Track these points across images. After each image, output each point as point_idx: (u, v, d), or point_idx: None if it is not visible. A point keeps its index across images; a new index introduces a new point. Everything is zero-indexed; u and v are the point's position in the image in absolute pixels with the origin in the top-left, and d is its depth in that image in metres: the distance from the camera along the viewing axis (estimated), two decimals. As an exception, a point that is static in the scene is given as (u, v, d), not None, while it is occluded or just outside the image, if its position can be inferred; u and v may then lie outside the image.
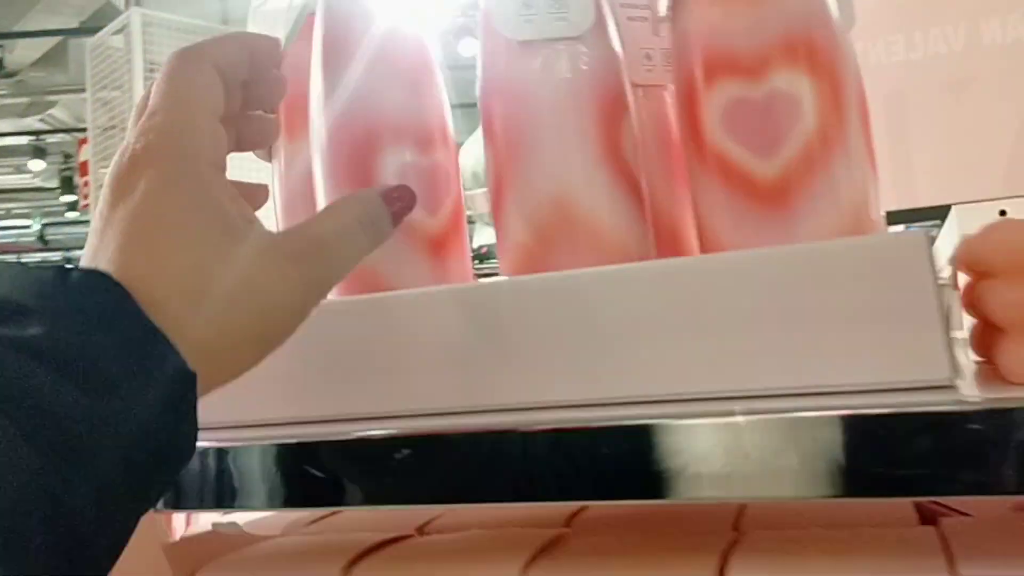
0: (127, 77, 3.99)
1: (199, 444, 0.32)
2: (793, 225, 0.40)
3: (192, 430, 0.30)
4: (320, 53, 0.49)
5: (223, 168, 0.35)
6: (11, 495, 0.24)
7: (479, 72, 0.48)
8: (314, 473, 0.41)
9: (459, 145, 0.53)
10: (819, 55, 0.40)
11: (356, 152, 0.47)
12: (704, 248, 0.43)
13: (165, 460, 0.29)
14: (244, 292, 0.31)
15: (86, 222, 4.06)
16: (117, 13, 4.43)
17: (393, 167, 0.47)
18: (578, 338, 0.40)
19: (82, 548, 0.26)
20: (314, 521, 0.59)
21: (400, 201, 0.38)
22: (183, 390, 0.29)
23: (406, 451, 0.40)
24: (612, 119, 0.45)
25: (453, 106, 0.51)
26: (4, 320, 0.27)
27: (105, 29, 4.08)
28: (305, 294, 0.34)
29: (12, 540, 0.24)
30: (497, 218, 0.47)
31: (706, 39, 0.42)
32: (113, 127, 4.07)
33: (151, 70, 4.01)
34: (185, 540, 0.51)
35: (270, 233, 0.33)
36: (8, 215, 8.47)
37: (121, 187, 0.32)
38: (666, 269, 0.39)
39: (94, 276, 0.29)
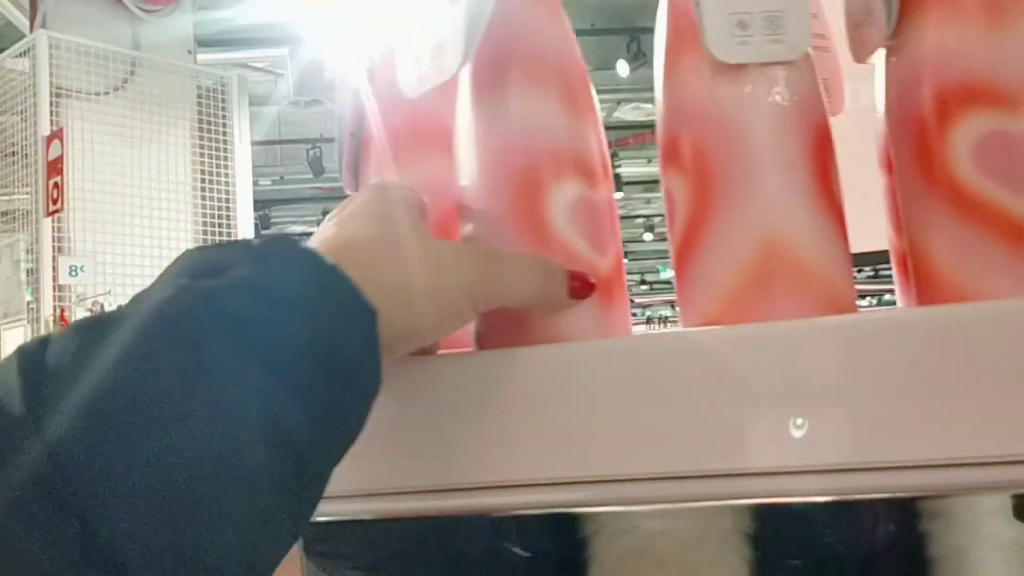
0: (31, 102, 3.79)
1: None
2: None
3: (379, 361, 0.33)
4: (477, 78, 0.44)
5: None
6: (236, 412, 0.27)
7: (664, 97, 0.44)
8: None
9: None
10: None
11: (524, 186, 0.42)
12: (943, 296, 0.39)
13: (360, 388, 0.32)
14: (424, 260, 0.36)
15: (-20, 253, 3.82)
16: (17, 34, 4.21)
17: (564, 203, 0.42)
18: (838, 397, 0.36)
19: (301, 466, 0.29)
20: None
21: (580, 283, 0.41)
22: (367, 322, 0.32)
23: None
24: (825, 151, 0.42)
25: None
26: (220, 272, 0.30)
27: (7, 51, 3.86)
28: (473, 293, 0.37)
29: (239, 456, 0.26)
30: (688, 260, 0.42)
31: (954, 65, 0.38)
32: (14, 153, 3.85)
33: (58, 95, 3.82)
34: None
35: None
36: None
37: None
38: (935, 317, 0.36)
39: (280, 237, 0.34)
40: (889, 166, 0.50)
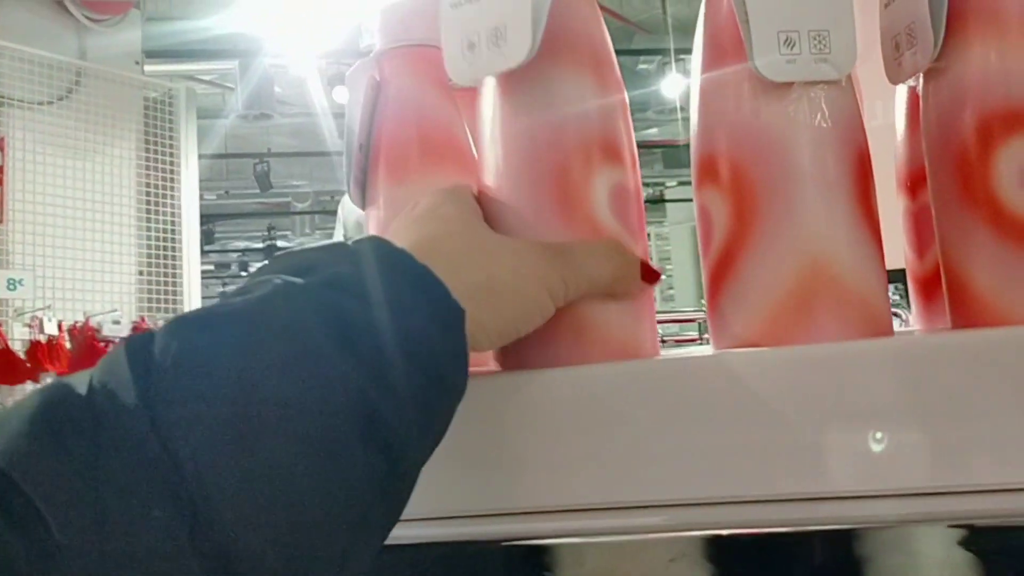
0: (-28, 110, 3.69)
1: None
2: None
3: (466, 359, 0.33)
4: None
5: None
6: (334, 406, 0.27)
7: (702, 114, 0.43)
8: None
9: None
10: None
11: (568, 173, 0.41)
12: (982, 319, 0.39)
13: (449, 387, 0.32)
14: (503, 257, 0.37)
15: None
16: (-42, 41, 4.09)
17: (605, 190, 0.41)
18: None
19: (393, 463, 0.29)
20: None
21: (650, 271, 0.42)
22: (456, 321, 0.32)
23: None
24: (866, 172, 0.41)
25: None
26: (316, 271, 0.31)
27: (-52, 59, 3.76)
28: (542, 282, 0.38)
29: (340, 453, 0.27)
30: (725, 279, 0.42)
31: (999, 89, 0.38)
32: (-49, 163, 3.74)
33: (1, 104, 3.72)
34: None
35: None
36: None
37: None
38: (992, 340, 0.35)
39: (371, 238, 0.33)
40: (910, 190, 0.50)
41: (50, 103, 3.94)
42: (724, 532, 0.37)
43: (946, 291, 0.42)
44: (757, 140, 0.41)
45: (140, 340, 0.28)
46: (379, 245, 0.33)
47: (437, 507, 0.39)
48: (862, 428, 0.36)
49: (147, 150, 4.36)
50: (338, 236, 3.24)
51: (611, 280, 0.40)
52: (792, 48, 0.40)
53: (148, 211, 4.27)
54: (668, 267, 8.53)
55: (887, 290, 0.42)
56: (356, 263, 0.32)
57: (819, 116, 0.40)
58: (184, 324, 0.28)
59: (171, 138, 4.43)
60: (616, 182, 0.42)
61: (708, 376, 0.37)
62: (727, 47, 0.42)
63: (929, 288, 0.49)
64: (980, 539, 0.36)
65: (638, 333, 0.42)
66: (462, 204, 0.40)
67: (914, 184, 0.49)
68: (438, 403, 0.32)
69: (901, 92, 0.49)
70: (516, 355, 0.41)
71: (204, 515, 0.24)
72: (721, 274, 0.42)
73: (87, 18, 4.13)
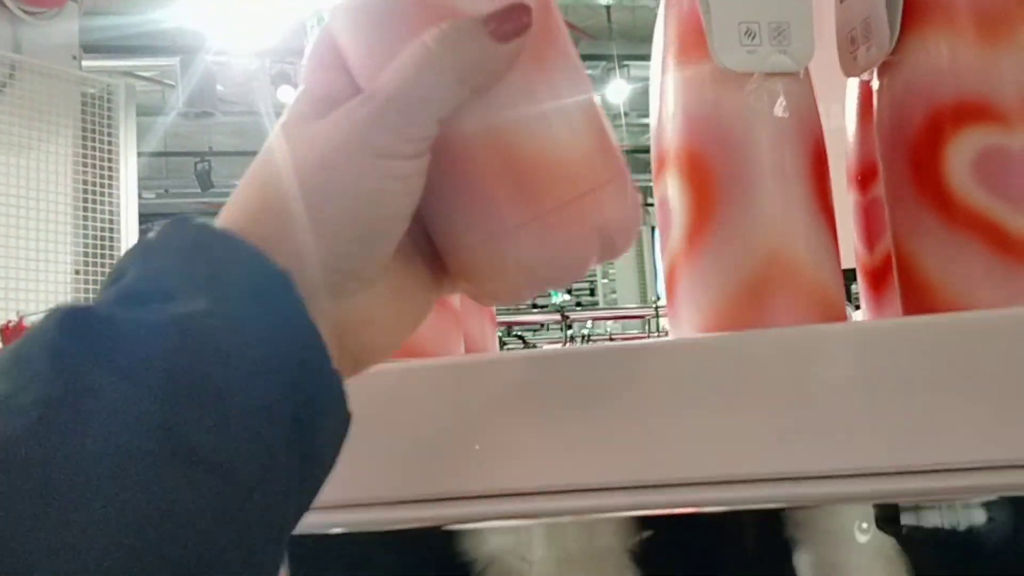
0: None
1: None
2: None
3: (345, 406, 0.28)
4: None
5: None
6: (171, 453, 0.22)
7: (662, 104, 0.44)
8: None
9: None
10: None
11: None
12: (932, 306, 0.40)
13: (330, 431, 0.27)
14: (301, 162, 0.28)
15: None
16: None
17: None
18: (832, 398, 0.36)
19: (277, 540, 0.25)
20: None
21: (503, 20, 0.29)
22: (297, 310, 0.26)
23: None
24: (821, 163, 0.42)
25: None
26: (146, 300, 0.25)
27: None
28: (356, 142, 0.28)
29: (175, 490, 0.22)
30: (684, 267, 0.42)
31: (952, 82, 0.40)
32: None
33: (-69, 96, 3.61)
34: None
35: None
36: None
37: None
38: (934, 326, 0.36)
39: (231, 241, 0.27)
40: (861, 184, 0.51)
41: (-17, 96, 3.83)
42: (681, 511, 0.37)
43: (897, 280, 0.43)
44: (716, 131, 0.41)
45: None
46: (221, 240, 0.27)
47: (381, 493, 0.39)
48: (816, 410, 0.37)
49: (84, 147, 4.26)
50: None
51: (458, 84, 0.29)
52: (752, 39, 0.40)
53: (85, 209, 4.17)
54: (611, 270, 8.59)
55: (842, 277, 0.43)
56: (218, 304, 0.25)
57: (778, 107, 0.41)
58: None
59: (109, 135, 4.34)
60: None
61: (667, 360, 0.38)
62: (688, 38, 0.42)
63: (878, 280, 0.50)
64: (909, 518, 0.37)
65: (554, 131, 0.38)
66: (289, 119, 0.30)
67: (864, 178, 0.51)
68: (319, 467, 0.27)
69: (852, 87, 0.50)
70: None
71: None
72: (680, 263, 0.43)
73: (22, 10, 4.03)
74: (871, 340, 0.37)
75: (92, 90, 4.25)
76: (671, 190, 0.43)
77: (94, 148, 4.19)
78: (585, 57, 5.78)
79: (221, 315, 0.25)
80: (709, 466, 0.38)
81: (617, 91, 5.62)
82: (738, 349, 0.38)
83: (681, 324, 0.43)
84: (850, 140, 0.52)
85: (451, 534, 0.42)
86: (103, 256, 4.13)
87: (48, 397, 0.22)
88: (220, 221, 0.29)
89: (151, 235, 0.28)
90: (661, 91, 0.44)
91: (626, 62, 5.41)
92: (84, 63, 4.42)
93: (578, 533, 0.45)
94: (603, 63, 5.70)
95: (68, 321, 0.24)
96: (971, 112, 0.39)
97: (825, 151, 0.43)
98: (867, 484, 0.37)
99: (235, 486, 0.23)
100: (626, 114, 5.56)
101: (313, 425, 0.26)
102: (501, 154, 0.29)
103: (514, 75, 0.29)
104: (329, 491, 0.29)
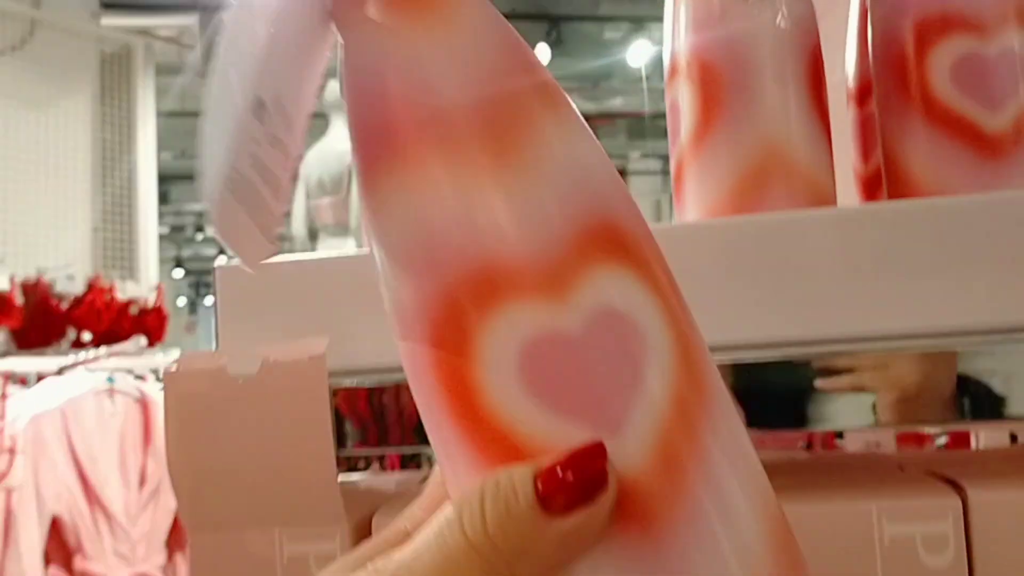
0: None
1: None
2: (1017, 174, 0.43)
3: None
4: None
5: None
6: None
7: (675, 16, 0.48)
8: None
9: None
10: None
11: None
12: (914, 194, 0.45)
13: None
14: None
15: None
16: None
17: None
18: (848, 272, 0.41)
19: None
20: (423, 480, 0.56)
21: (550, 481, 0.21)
22: None
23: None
24: (818, 68, 0.47)
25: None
26: None
27: None
28: None
29: None
30: (692, 162, 0.47)
31: (935, -3, 0.44)
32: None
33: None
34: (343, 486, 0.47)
35: None
36: None
37: None
38: (912, 210, 0.41)
39: None
40: (859, 100, 0.56)
41: (2, 54, 3.87)
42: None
43: (884, 174, 0.47)
44: (723, 39, 0.46)
45: None
46: None
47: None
48: (809, 282, 0.42)
49: (103, 105, 4.30)
50: (299, 197, 3.21)
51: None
52: (756, -45, 0.45)
53: (104, 168, 4.22)
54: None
55: (833, 168, 0.48)
56: None
57: (779, 18, 0.46)
58: None
59: (128, 94, 4.38)
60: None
61: (678, 242, 0.43)
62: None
63: (872, 189, 0.55)
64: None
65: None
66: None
67: (861, 94, 0.55)
68: None
69: (854, 8, 0.55)
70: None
71: None
72: (688, 158, 0.48)
73: (43, -33, 4.05)
74: (855, 222, 0.42)
75: (111, 49, 4.29)
76: (681, 94, 0.48)
77: (112, 107, 4.24)
78: (607, 19, 5.71)
79: None
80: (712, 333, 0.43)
81: (638, 54, 5.49)
82: (739, 231, 0.43)
83: (687, 213, 0.48)
84: (850, 60, 0.57)
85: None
86: (121, 214, 4.19)
87: None
88: None
89: None
90: (674, 4, 0.48)
91: (649, 23, 5.33)
92: (102, 21, 4.45)
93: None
94: (626, 24, 5.61)
95: None
96: (951, 23, 0.44)
97: (821, 59, 0.48)
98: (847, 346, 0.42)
99: None
100: (647, 78, 5.50)
101: None
102: None
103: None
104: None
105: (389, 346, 0.43)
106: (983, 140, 0.43)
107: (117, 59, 4.32)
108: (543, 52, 4.91)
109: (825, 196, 0.46)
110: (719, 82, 0.46)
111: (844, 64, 0.59)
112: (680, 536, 0.21)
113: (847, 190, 0.58)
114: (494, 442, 0.22)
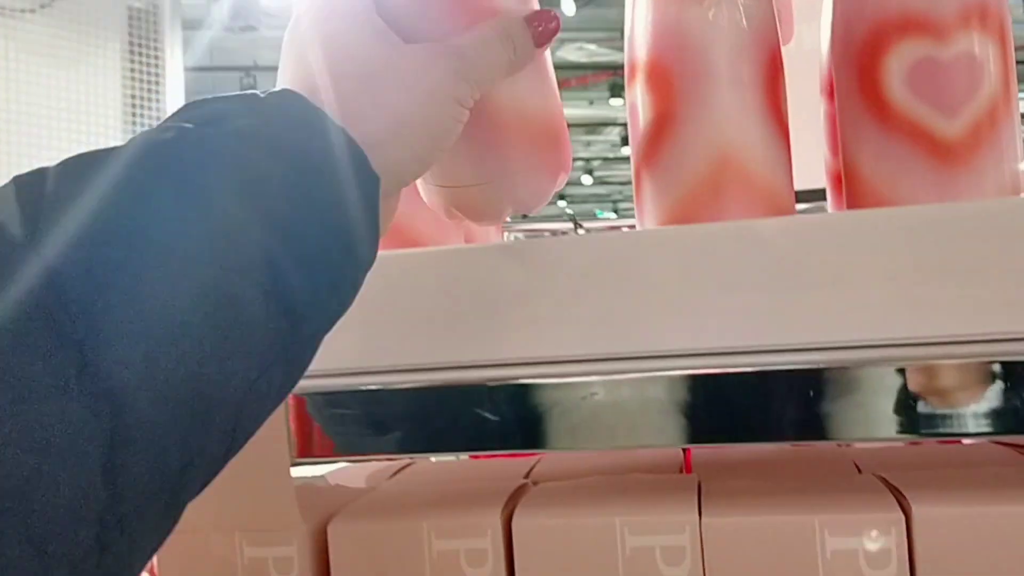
0: (-49, 15, 3.65)
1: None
2: (972, 182, 0.42)
3: (377, 229, 0.33)
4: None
5: None
6: (236, 259, 0.27)
7: (634, 19, 0.48)
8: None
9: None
10: (999, 20, 0.43)
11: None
12: (870, 203, 0.45)
13: (358, 256, 0.32)
14: (403, 95, 0.35)
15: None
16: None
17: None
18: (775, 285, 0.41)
19: (296, 324, 0.29)
20: (394, 474, 0.57)
21: (540, 23, 0.39)
22: (371, 190, 0.33)
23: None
24: (776, 72, 0.46)
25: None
26: (225, 121, 0.30)
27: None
28: (450, 95, 0.36)
29: (239, 303, 0.27)
30: (648, 168, 0.47)
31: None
32: (-67, 70, 3.71)
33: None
34: (303, 488, 0.49)
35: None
36: None
37: None
38: (871, 219, 0.41)
39: (286, 92, 0.33)
40: (830, 92, 0.55)
41: (31, 11, 3.89)
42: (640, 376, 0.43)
43: (844, 179, 0.47)
44: (678, 42, 0.46)
45: (31, 175, 0.27)
46: (294, 101, 0.32)
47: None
48: (762, 292, 0.42)
49: (132, 61, 4.31)
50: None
51: (508, 62, 0.38)
52: (712, -43, 0.44)
53: (133, 123, 4.24)
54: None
55: (791, 177, 0.47)
56: (269, 117, 0.31)
57: (735, 21, 0.45)
58: (79, 163, 0.27)
59: (156, 49, 4.38)
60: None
61: (633, 248, 0.43)
62: (656, -45, 0.46)
63: (840, 184, 0.54)
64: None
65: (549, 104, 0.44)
66: (361, 27, 0.36)
67: (831, 90, 0.54)
68: (346, 270, 0.32)
69: (827, 5, 0.53)
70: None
71: (91, 357, 0.23)
72: (645, 163, 0.47)
73: (68, -77, 4.04)
74: (808, 231, 0.42)
75: (138, 4, 4.29)
76: (639, 98, 0.47)
77: (141, 63, 4.25)
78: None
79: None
80: (668, 340, 0.43)
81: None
82: (694, 238, 0.43)
83: (646, 217, 0.47)
84: (823, 52, 0.56)
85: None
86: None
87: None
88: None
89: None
90: (632, 6, 0.48)
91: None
92: (128, -25, 4.43)
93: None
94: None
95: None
96: (909, 25, 0.43)
97: (780, 62, 0.47)
98: (798, 356, 0.42)
99: (298, 325, 0.29)
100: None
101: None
102: (517, 118, 0.40)
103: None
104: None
105: (343, 351, 0.44)
106: (939, 147, 0.43)
107: (144, 14, 4.32)
108: (568, 6, 4.80)
109: (782, 204, 0.46)
110: (674, 85, 0.46)
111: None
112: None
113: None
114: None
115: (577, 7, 5.01)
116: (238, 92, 0.32)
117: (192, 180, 0.27)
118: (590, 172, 10.39)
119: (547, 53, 0.42)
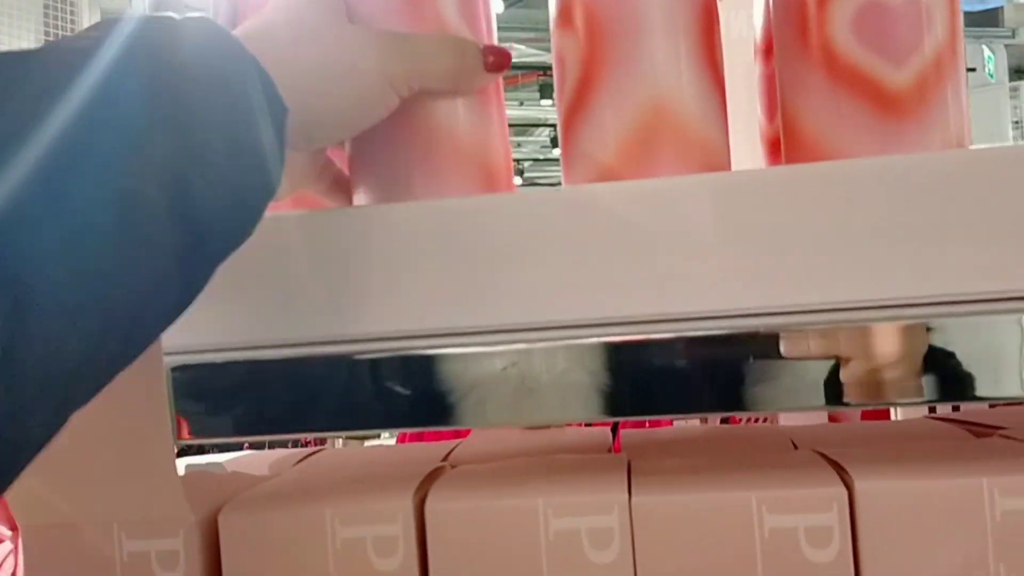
0: None
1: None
2: (918, 136, 0.40)
3: (283, 160, 0.33)
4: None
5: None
6: (142, 167, 0.27)
7: (560, -39, 0.44)
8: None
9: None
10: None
11: None
12: (817, 156, 0.42)
13: (263, 182, 0.32)
14: (341, 46, 0.36)
15: None
16: None
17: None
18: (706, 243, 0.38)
19: (199, 241, 0.29)
20: (301, 460, 0.53)
21: (494, 56, 0.41)
22: (281, 119, 0.33)
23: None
24: (711, 23, 0.43)
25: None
26: (142, 40, 0.29)
27: None
28: (384, 74, 0.37)
29: (143, 210, 0.27)
30: (576, 120, 0.43)
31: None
32: None
33: None
34: (192, 475, 0.44)
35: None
36: None
37: None
38: (807, 175, 0.38)
39: (203, 18, 0.32)
40: (764, 54, 0.52)
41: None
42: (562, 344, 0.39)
43: (782, 134, 0.44)
44: (610, -12, 0.42)
45: None
46: (211, 27, 0.32)
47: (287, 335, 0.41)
48: (697, 253, 0.39)
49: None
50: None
51: (451, 72, 0.40)
52: None
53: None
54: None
55: (727, 130, 0.44)
56: (183, 35, 0.31)
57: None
58: (5, 65, 0.27)
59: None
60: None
61: (561, 207, 0.39)
62: None
63: (777, 148, 0.51)
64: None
65: (489, 140, 0.44)
66: None
67: (767, 49, 0.51)
68: (250, 193, 0.32)
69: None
70: (370, 162, 0.42)
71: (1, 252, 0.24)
72: (573, 115, 0.44)
73: (-21, -95, 3.89)
74: (743, 188, 0.39)
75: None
76: (566, 45, 0.44)
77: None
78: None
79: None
80: (590, 307, 0.40)
81: None
82: (625, 196, 0.40)
83: (574, 172, 0.44)
84: (757, 11, 0.53)
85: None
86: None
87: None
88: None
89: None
90: (560, -53, 0.44)
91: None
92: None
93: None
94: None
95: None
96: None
97: (716, 13, 0.44)
98: (736, 323, 0.39)
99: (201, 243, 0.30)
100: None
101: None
102: (448, 140, 0.42)
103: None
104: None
105: (231, 323, 0.39)
106: (885, 97, 0.40)
107: (61, 4, 4.17)
108: (496, 3, 4.79)
109: (717, 158, 0.43)
110: (604, 33, 0.42)
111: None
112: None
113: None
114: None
115: (505, 6, 5.00)
116: (155, 15, 0.31)
117: (102, 87, 0.27)
118: (520, 173, 10.38)
119: (503, 102, 0.45)
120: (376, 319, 0.40)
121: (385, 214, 0.41)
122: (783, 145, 0.44)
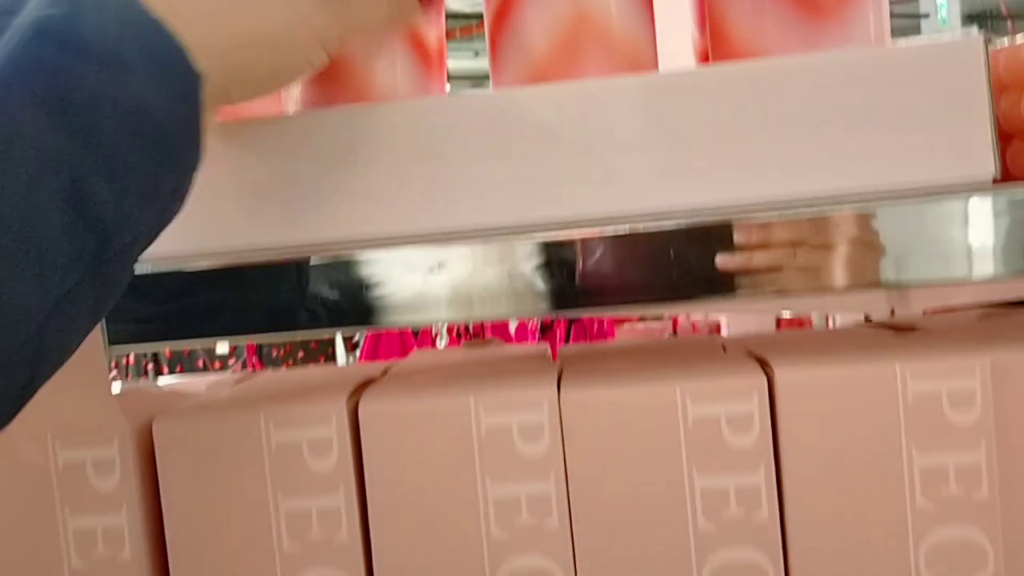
0: None
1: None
2: (841, 34, 0.40)
3: (199, 130, 0.30)
4: None
5: None
6: (30, 167, 0.25)
7: None
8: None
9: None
10: None
11: None
12: (742, 55, 0.42)
13: (177, 161, 0.30)
14: (259, 10, 0.33)
15: None
16: None
17: None
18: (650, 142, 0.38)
19: (104, 241, 0.27)
20: (239, 381, 0.53)
21: None
22: (191, 88, 0.29)
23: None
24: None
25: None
26: (27, 9, 0.27)
27: None
28: (314, 30, 0.34)
29: (31, 225, 0.25)
30: (502, 26, 0.44)
31: None
32: None
33: None
34: (128, 392, 0.44)
35: None
36: None
37: None
38: (733, 73, 0.39)
39: None
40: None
41: None
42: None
43: (709, 38, 0.44)
44: None
45: None
46: None
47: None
48: (622, 154, 0.39)
49: None
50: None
51: (389, 19, 0.38)
52: None
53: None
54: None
55: (653, 34, 0.44)
56: (77, 8, 0.27)
57: None
58: None
59: None
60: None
61: (489, 111, 0.39)
62: None
63: (707, 59, 0.52)
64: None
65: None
66: None
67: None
68: (163, 179, 0.29)
69: None
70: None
71: None
72: (500, 20, 0.44)
73: None
74: (672, 86, 0.39)
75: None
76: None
77: None
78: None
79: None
80: (520, 211, 0.40)
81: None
82: (552, 99, 0.40)
83: (502, 76, 0.44)
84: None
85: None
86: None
87: None
88: None
89: None
90: None
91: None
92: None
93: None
94: None
95: None
96: None
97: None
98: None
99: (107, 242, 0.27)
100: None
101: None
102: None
103: None
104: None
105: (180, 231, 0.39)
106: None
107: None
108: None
109: (644, 62, 0.43)
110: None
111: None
112: None
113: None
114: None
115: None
116: None
117: None
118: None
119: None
120: (310, 225, 0.41)
121: (319, 120, 0.41)
122: (710, 48, 0.44)
